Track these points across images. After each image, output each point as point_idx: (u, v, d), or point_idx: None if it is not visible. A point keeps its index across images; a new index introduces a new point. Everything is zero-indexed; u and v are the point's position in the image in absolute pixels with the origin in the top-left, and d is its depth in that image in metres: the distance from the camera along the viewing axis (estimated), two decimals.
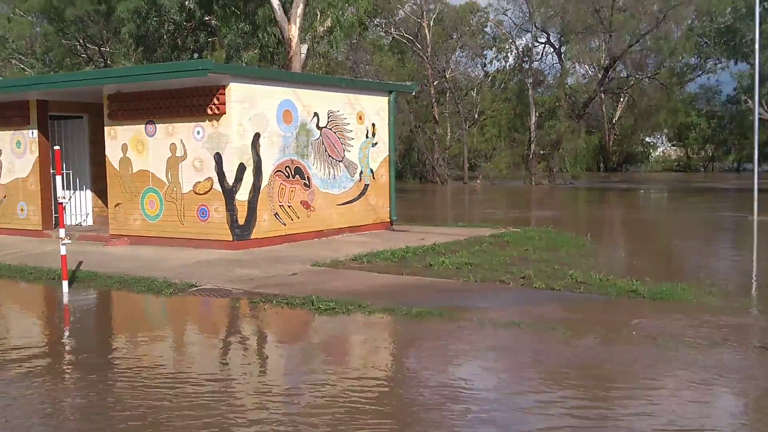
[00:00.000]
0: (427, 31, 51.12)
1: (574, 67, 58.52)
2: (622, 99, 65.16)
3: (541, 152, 50.29)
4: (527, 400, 5.87)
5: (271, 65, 31.59)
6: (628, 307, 9.02)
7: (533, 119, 49.87)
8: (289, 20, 26.51)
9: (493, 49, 57.92)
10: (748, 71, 42.85)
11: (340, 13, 28.94)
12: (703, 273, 11.51)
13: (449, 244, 14.30)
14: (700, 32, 46.20)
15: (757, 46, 23.30)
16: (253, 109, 14.21)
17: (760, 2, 30.35)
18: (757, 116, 23.39)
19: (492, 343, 7.51)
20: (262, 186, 14.34)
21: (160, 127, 14.74)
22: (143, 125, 14.96)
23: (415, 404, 5.82)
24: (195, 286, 10.61)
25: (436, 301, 9.32)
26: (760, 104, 45.95)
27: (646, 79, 55.65)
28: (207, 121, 14.08)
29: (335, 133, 16.01)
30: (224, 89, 13.79)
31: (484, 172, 53.29)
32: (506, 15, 53.23)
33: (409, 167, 54.28)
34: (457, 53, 56.22)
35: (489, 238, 15.26)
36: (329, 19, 28.74)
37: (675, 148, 79.42)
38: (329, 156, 15.85)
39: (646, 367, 6.57)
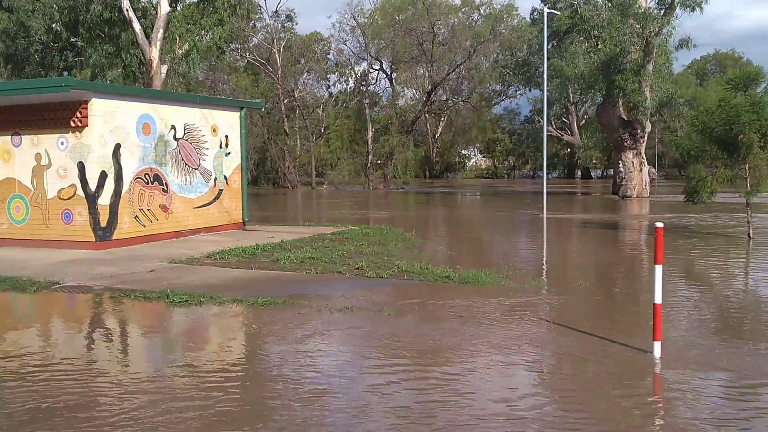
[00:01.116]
0: (277, 56, 50.52)
1: (404, 90, 59.86)
2: (442, 118, 67.41)
3: (378, 162, 51.05)
4: (362, 366, 5.85)
5: (134, 83, 30.04)
6: (443, 290, 9.24)
7: (370, 134, 50.57)
8: (150, 43, 25.36)
9: (336, 73, 58.13)
10: (540, 97, 45.58)
11: (197, 38, 27.99)
12: (503, 260, 11.99)
13: (295, 241, 14.13)
14: (504, 64, 48.38)
15: (545, 76, 24.79)
16: (113, 122, 13.46)
17: (548, 41, 32.28)
18: (545, 133, 24.86)
19: (328, 325, 7.44)
20: (123, 191, 13.62)
21: (26, 138, 13.75)
22: (9, 136, 13.93)
23: (264, 379, 5.64)
24: (58, 284, 9.86)
25: (280, 291, 9.15)
26: (549, 123, 49.03)
27: (461, 102, 57.79)
28: (70, 133, 13.24)
29: (191, 143, 15.42)
30: (86, 104, 13.01)
31: (330, 179, 53.45)
32: (346, 45, 53.59)
33: (263, 174, 53.48)
34: (304, 76, 55.92)
35: (330, 235, 15.22)
36: (187, 43, 27.73)
37: (485, 158, 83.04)
38: (186, 164, 15.25)
39: (457, 339, 6.72)
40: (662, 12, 29.98)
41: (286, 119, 51.92)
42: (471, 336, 6.85)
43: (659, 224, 5.97)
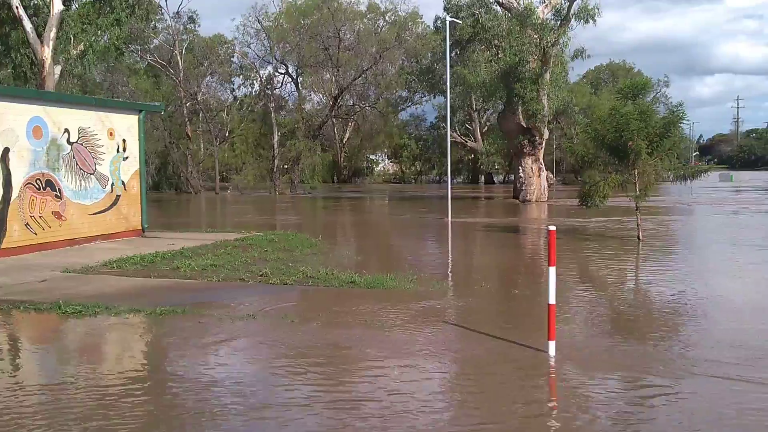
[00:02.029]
0: (179, 58, 49.25)
1: (310, 95, 59.70)
2: (349, 123, 67.63)
3: (284, 166, 50.58)
4: (265, 374, 5.77)
5: (25, 84, 28.53)
6: (348, 296, 9.26)
7: (276, 138, 50.04)
8: (42, 43, 24.20)
9: (240, 76, 57.30)
10: (444, 103, 46.42)
11: (93, 38, 26.89)
12: (408, 265, 12.13)
13: (197, 248, 13.79)
14: (409, 71, 49.04)
15: (448, 83, 25.30)
16: (1, 125, 12.71)
17: (451, 49, 32.99)
18: (449, 139, 25.38)
19: (229, 333, 7.30)
20: (12, 198, 12.90)
21: None
22: None
23: (162, 392, 5.46)
24: None
25: (181, 300, 8.91)
26: (453, 130, 50.09)
27: (368, 107, 58.12)
28: None
29: (86, 148, 14.79)
30: None
31: (234, 184, 52.53)
32: (250, 48, 52.87)
33: (165, 179, 51.95)
34: (207, 78, 54.78)
35: (234, 242, 14.95)
36: (82, 43, 26.59)
37: (392, 163, 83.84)
38: (80, 169, 14.61)
39: (361, 344, 6.75)
40: (558, 23, 31.23)
41: (188, 123, 50.70)
42: (375, 341, 6.90)
43: (552, 228, 6.22)
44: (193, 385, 5.65)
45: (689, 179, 17.15)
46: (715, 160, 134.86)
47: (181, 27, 51.66)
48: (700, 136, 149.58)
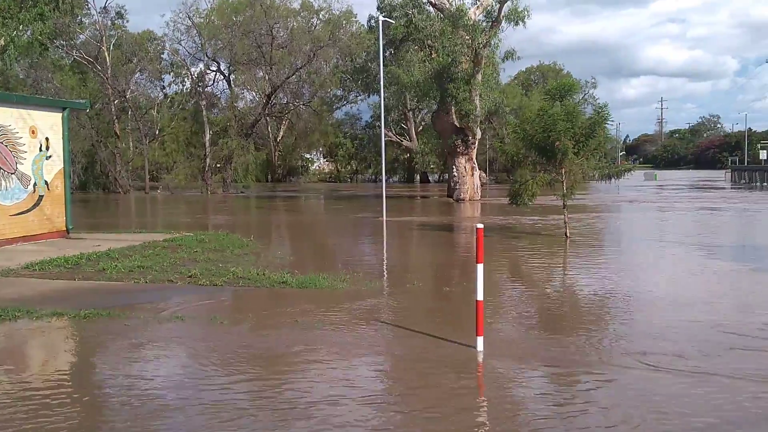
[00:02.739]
0: (107, 54, 47.86)
1: (243, 92, 58.87)
2: (283, 121, 67.06)
3: (217, 165, 49.78)
4: (194, 377, 5.67)
5: None
6: (280, 296, 9.20)
7: (208, 137, 49.24)
8: None
9: (171, 73, 56.11)
10: (379, 102, 46.47)
11: (15, 33, 25.85)
12: (342, 264, 12.14)
13: (124, 249, 13.44)
14: (343, 69, 48.94)
15: (381, 83, 25.38)
16: None
17: (385, 49, 33.15)
18: (383, 138, 25.48)
19: (157, 336, 7.15)
20: None
21: None
22: None
23: (86, 397, 5.30)
24: None
25: (106, 302, 8.67)
26: (389, 129, 50.26)
27: (302, 106, 57.76)
28: None
29: (6, 146, 14.21)
30: None
31: (165, 183, 51.40)
32: (181, 45, 51.75)
33: (93, 178, 50.40)
34: (136, 75, 53.35)
35: (163, 242, 14.63)
36: (3, 38, 25.53)
37: (328, 162, 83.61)
38: (0, 168, 14.02)
39: (292, 345, 6.72)
40: (489, 25, 31.76)
41: (117, 121, 49.35)
42: (307, 341, 6.88)
43: (479, 226, 6.34)
44: (117, 390, 5.52)
45: (614, 178, 17.75)
46: (641, 159, 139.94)
47: (109, 22, 50.25)
48: (627, 136, 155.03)
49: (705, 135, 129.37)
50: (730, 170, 63.17)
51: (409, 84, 33.83)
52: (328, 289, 9.52)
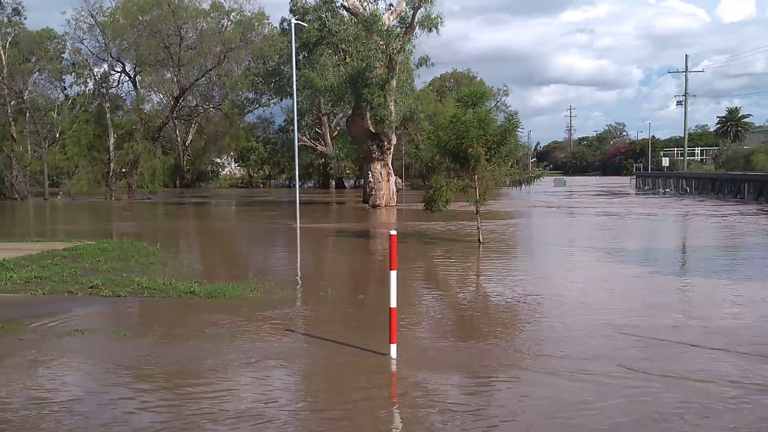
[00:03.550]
0: (2, 52, 45.52)
1: (150, 94, 57.23)
2: (192, 125, 65.59)
3: (121, 170, 48.16)
4: (96, 395, 5.44)
5: None
6: (187, 306, 8.98)
7: (112, 140, 47.61)
8: None
9: (72, 74, 53.82)
10: (292, 106, 46.13)
11: None
12: (253, 273, 11.95)
13: (20, 259, 12.78)
14: (255, 72, 48.33)
15: (294, 86, 25.24)
16: None
17: (299, 52, 32.99)
18: (296, 143, 25.33)
19: (54, 351, 6.83)
20: None
21: None
22: None
23: None
24: None
25: None
26: (303, 134, 50.01)
27: (213, 109, 56.69)
28: None
29: None
30: None
31: (66, 189, 49.29)
32: (83, 44, 49.77)
33: None
34: (35, 75, 50.91)
35: (63, 251, 14.00)
36: None
37: (239, 167, 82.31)
38: None
39: (200, 358, 6.56)
40: (403, 31, 32.13)
41: (13, 123, 47.00)
42: (216, 353, 6.74)
43: (393, 232, 6.39)
44: (11, 409, 5.23)
45: (525, 184, 18.28)
46: (551, 165, 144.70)
47: (5, 19, 47.91)
48: (538, 143, 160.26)
49: (611, 142, 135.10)
50: (635, 176, 66.21)
51: (323, 88, 33.76)
52: (239, 299, 9.37)
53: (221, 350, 6.81)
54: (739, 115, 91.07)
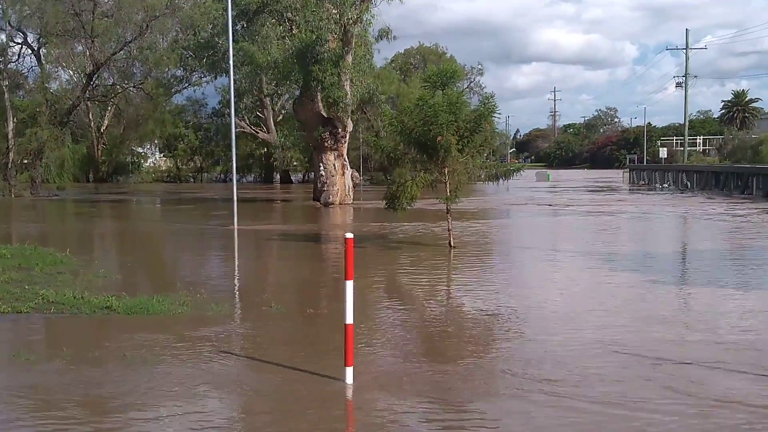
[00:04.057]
0: None
1: (57, 71, 56.12)
2: (109, 107, 64.60)
3: (23, 161, 47.26)
4: None
5: None
6: (104, 324, 8.87)
7: (11, 125, 46.55)
8: None
9: None
10: (228, 86, 45.60)
11: None
12: (182, 284, 11.82)
13: None
14: (185, 45, 47.79)
15: (231, 62, 25.04)
16: None
17: (236, 21, 32.77)
18: (233, 129, 25.16)
19: None
20: None
21: None
22: None
23: None
24: None
25: None
26: (241, 118, 49.71)
27: (133, 89, 55.94)
28: None
29: None
30: None
31: None
32: None
33: None
34: None
35: None
36: None
37: (166, 158, 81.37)
38: None
39: (120, 385, 6.48)
40: None
41: None
42: (138, 379, 6.66)
43: (349, 235, 6.39)
44: None
45: (503, 178, 18.46)
46: (532, 157, 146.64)
47: None
48: (517, 130, 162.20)
49: (601, 130, 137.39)
50: (628, 170, 67.40)
51: (265, 64, 33.57)
52: (165, 316, 9.29)
53: (144, 377, 6.74)
54: (746, 99, 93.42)
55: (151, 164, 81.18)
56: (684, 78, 69.23)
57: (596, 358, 7.46)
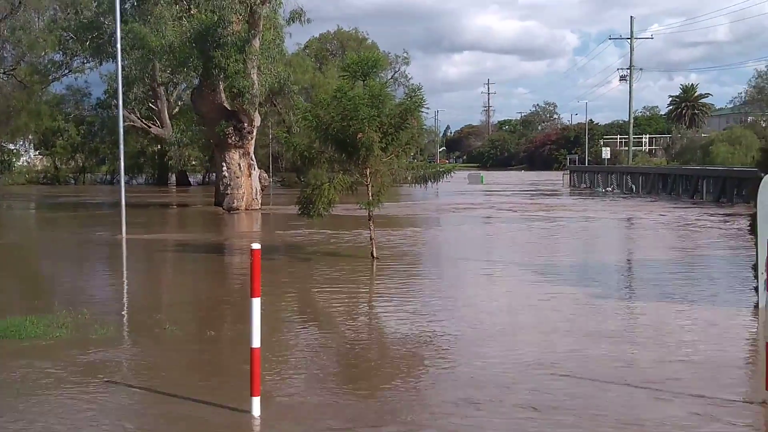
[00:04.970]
0: None
1: None
2: None
3: None
4: None
5: None
6: None
7: None
8: None
9: None
10: (115, 73, 44.79)
11: None
12: (61, 302, 11.55)
13: None
14: (64, 25, 46.87)
15: (119, 46, 24.55)
16: None
17: (124, 0, 32.20)
18: (121, 123, 24.68)
19: None
20: None
21: None
22: None
23: None
24: None
25: None
26: (130, 110, 48.90)
27: (3, 75, 54.54)
28: None
29: None
30: None
31: None
32: None
33: None
34: None
35: None
36: None
37: (42, 156, 79.51)
38: None
39: None
40: None
41: None
42: (9, 415, 6.49)
43: (255, 246, 6.34)
44: None
45: (432, 181, 18.60)
46: (464, 157, 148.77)
47: None
48: (447, 127, 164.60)
49: (539, 127, 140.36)
50: (568, 171, 68.91)
51: (159, 48, 33.09)
52: (41, 339, 9.07)
53: (14, 412, 6.56)
54: (695, 94, 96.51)
55: (25, 163, 79.13)
56: (629, 70, 71.12)
57: (534, 380, 7.56)
